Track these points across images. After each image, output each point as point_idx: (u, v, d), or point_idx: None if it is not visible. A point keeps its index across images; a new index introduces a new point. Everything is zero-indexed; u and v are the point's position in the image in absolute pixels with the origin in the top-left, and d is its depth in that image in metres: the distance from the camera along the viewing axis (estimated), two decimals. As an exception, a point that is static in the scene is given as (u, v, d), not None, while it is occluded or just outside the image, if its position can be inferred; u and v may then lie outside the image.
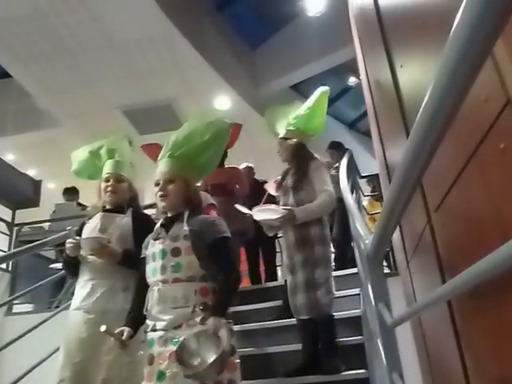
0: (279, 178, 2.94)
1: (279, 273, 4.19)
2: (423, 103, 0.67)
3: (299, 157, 2.67)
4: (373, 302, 1.46)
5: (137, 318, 1.75)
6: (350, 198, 2.33)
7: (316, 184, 2.56)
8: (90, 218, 2.21)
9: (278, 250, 4.20)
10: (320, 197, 2.52)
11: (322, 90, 2.78)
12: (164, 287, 1.67)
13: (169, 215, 1.84)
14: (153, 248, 1.78)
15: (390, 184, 0.95)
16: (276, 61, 7.51)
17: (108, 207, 2.19)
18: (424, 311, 1.17)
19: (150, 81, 6.85)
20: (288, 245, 2.56)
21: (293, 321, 2.60)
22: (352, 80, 8.28)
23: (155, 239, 1.80)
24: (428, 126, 0.69)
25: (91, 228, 2.14)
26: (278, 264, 4.23)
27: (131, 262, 2.01)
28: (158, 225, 1.85)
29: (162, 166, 1.85)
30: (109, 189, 2.18)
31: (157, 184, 1.83)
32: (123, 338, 1.70)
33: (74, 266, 2.13)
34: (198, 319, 1.63)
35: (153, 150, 3.36)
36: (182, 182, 1.83)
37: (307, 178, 2.58)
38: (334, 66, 7.39)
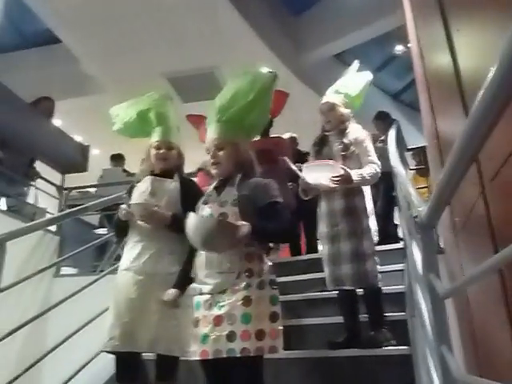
0: None
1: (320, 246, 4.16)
2: (489, 76, 0.61)
3: (349, 126, 2.59)
4: (420, 272, 1.43)
5: (184, 280, 1.79)
6: (401, 169, 2.24)
7: (363, 155, 2.49)
8: (138, 182, 2.23)
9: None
10: (369, 167, 2.46)
11: (369, 78, 2.76)
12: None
13: (221, 178, 1.84)
14: (202, 212, 1.79)
15: (450, 152, 0.92)
16: (320, 28, 7.26)
17: (157, 172, 2.21)
18: (477, 281, 1.13)
19: (194, 48, 6.80)
20: (331, 213, 2.48)
21: (334, 294, 2.57)
22: (398, 49, 7.92)
23: (205, 203, 1.80)
24: (492, 100, 0.65)
25: (141, 191, 2.16)
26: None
27: (179, 226, 2.00)
28: (210, 187, 1.85)
29: (210, 133, 1.83)
30: (160, 156, 2.18)
31: (208, 151, 1.83)
32: (171, 297, 1.78)
33: (124, 229, 2.17)
34: (242, 285, 1.63)
35: (200, 122, 3.35)
36: (231, 147, 1.81)
37: (354, 148, 2.50)
38: (380, 35, 7.08)
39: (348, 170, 2.39)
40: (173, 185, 2.17)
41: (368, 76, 2.75)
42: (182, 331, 1.93)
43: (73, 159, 5.69)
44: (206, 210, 1.76)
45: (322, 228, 2.52)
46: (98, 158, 7.00)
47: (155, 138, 2.20)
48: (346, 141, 2.52)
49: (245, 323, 1.58)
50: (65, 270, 5.12)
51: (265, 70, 1.87)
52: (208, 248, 1.66)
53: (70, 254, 3.86)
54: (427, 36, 2.25)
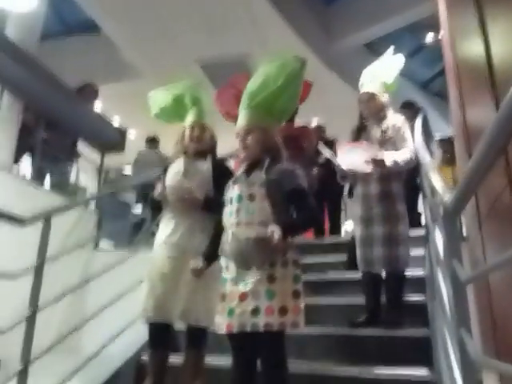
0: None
1: (342, 229, 4.14)
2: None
3: (388, 112, 2.56)
4: (442, 258, 1.40)
5: (211, 255, 1.82)
6: (426, 156, 2.20)
7: (400, 141, 2.46)
8: (172, 163, 2.25)
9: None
10: (404, 152, 2.42)
11: (402, 61, 2.70)
12: (237, 229, 1.69)
13: (249, 162, 1.84)
14: (231, 192, 1.80)
15: (479, 142, 0.91)
16: (350, 17, 7.09)
17: (191, 152, 2.22)
18: (500, 269, 1.11)
19: (227, 36, 6.77)
20: (366, 196, 2.46)
21: (356, 276, 2.56)
22: (429, 37, 7.65)
23: (234, 183, 1.81)
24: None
25: (174, 172, 2.19)
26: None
27: (211, 207, 2.07)
28: (240, 171, 1.86)
29: (241, 119, 1.84)
30: (194, 137, 2.20)
31: (237, 136, 1.83)
32: (195, 266, 1.83)
33: (158, 207, 2.22)
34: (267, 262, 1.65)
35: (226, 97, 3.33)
36: (259, 131, 1.80)
37: (391, 134, 2.47)
38: (410, 23, 6.86)
39: (381, 153, 2.36)
40: (205, 166, 2.18)
41: (401, 60, 2.69)
42: (209, 304, 1.98)
43: (112, 141, 5.80)
44: (234, 191, 1.77)
45: (357, 211, 2.50)
46: (135, 140, 7.11)
47: (189, 119, 2.22)
48: (383, 127, 2.50)
49: (269, 299, 1.60)
50: (103, 244, 5.26)
51: (293, 55, 1.83)
52: (249, 267, 1.66)
53: (109, 231, 3.93)
54: (460, 25, 2.17)
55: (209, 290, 1.97)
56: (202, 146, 2.21)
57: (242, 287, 1.64)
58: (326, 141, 4.20)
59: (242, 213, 1.71)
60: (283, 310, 1.60)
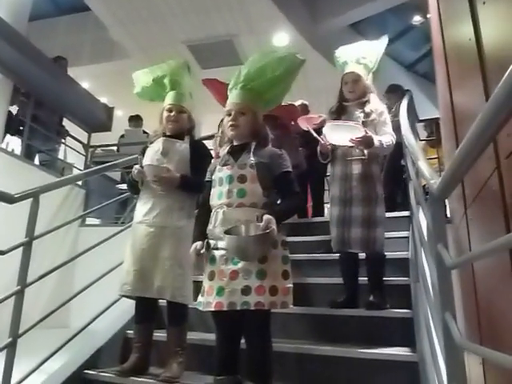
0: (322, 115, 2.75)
1: (326, 210, 4.11)
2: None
3: (371, 96, 2.49)
4: (426, 240, 1.35)
5: (202, 234, 1.77)
6: (411, 138, 2.16)
7: (381, 125, 2.41)
8: (151, 143, 2.24)
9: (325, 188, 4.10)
10: (386, 137, 2.37)
11: (385, 43, 2.63)
12: (229, 210, 1.68)
13: (235, 143, 1.83)
14: (220, 173, 1.77)
15: (469, 130, 0.87)
16: (337, -3, 6.93)
17: (168, 133, 2.22)
18: (486, 257, 1.09)
19: (214, 16, 6.65)
20: (346, 177, 2.40)
21: (337, 256, 2.53)
22: (416, 19, 7.54)
23: (223, 165, 1.78)
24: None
25: (154, 151, 2.17)
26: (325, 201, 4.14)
27: (187, 186, 2.09)
28: (224, 151, 1.84)
29: (233, 97, 1.81)
30: (171, 118, 2.19)
31: (229, 114, 1.80)
32: (195, 251, 1.72)
33: (136, 187, 2.20)
34: None
35: (214, 85, 3.25)
36: (251, 114, 1.79)
37: (374, 119, 2.41)
38: (397, 4, 6.74)
39: (370, 133, 2.30)
40: (183, 146, 2.18)
41: (384, 42, 2.61)
42: (186, 280, 2.02)
43: (99, 119, 5.67)
44: (224, 172, 1.75)
45: (335, 191, 2.44)
46: (121, 119, 6.96)
47: (167, 101, 2.21)
48: (367, 109, 2.43)
49: (260, 279, 1.59)
50: (90, 221, 5.20)
51: (295, 53, 1.84)
52: (248, 260, 1.63)
53: (95, 207, 3.89)
54: (449, 7, 2.10)
55: (185, 267, 2.01)
56: (178, 128, 2.21)
57: (233, 265, 1.63)
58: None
59: (233, 194, 1.69)
60: (273, 290, 1.60)
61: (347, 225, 2.35)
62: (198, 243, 1.73)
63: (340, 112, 2.52)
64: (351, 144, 2.31)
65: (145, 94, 2.32)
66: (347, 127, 2.31)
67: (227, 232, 1.60)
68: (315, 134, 2.51)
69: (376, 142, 2.30)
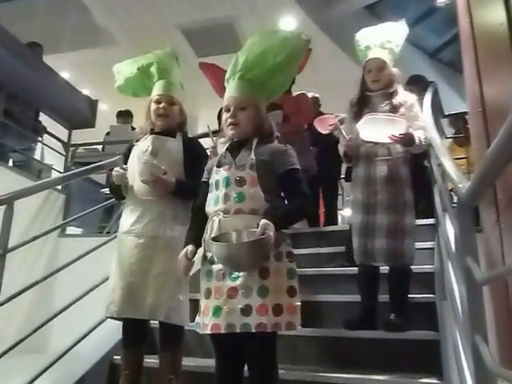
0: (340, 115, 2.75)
1: (339, 217, 4.13)
2: None
3: (398, 86, 2.50)
4: (454, 252, 1.35)
5: (194, 240, 1.74)
6: (437, 137, 2.15)
7: (414, 119, 2.40)
8: (137, 141, 2.22)
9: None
10: (421, 133, 2.36)
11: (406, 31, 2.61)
12: (225, 218, 1.66)
13: (235, 140, 1.80)
14: (217, 175, 1.75)
15: (504, 126, 0.85)
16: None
17: (158, 130, 2.19)
18: None
19: (212, -3, 6.62)
20: (369, 179, 2.39)
21: (354, 270, 2.53)
22: (440, 0, 7.53)
23: (219, 166, 1.76)
24: None
25: (141, 151, 2.14)
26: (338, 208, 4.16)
27: (182, 192, 2.06)
28: (223, 149, 1.82)
29: (231, 90, 1.78)
30: (161, 111, 2.16)
31: (227, 109, 1.78)
32: (184, 256, 1.70)
33: (119, 192, 2.17)
34: None
35: (212, 71, 3.26)
36: (253, 108, 1.76)
37: (403, 113, 2.40)
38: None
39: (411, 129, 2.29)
40: (175, 144, 2.16)
41: (404, 28, 2.59)
42: (182, 298, 2.00)
43: (80, 114, 5.68)
44: (221, 174, 1.73)
45: (357, 195, 2.43)
46: (106, 114, 6.97)
47: (155, 92, 2.19)
48: (395, 102, 2.43)
49: (262, 297, 1.56)
50: (71, 230, 5.20)
51: (298, 33, 1.80)
52: (246, 271, 1.61)
53: (77, 214, 3.91)
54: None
55: (181, 284, 1.99)
56: (169, 122, 2.19)
57: (231, 281, 1.61)
58: (322, 114, 4.13)
59: (230, 199, 1.67)
60: (278, 309, 1.58)
61: (371, 234, 2.34)
62: (189, 247, 1.70)
63: (362, 104, 2.52)
64: (389, 140, 2.30)
65: (128, 87, 2.30)
66: (387, 121, 2.31)
67: (215, 239, 1.58)
68: (344, 133, 2.50)
69: (416, 140, 2.30)
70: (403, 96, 2.47)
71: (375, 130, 2.32)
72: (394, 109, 2.41)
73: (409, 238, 2.32)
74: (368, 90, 2.52)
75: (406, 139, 2.29)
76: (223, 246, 1.54)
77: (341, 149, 2.52)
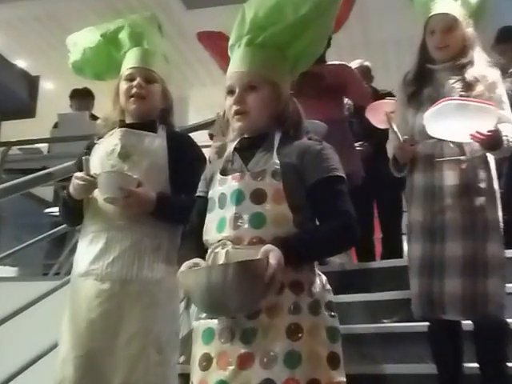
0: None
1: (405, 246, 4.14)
2: None
3: (475, 54, 2.52)
4: None
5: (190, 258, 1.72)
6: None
7: (497, 104, 2.41)
8: (100, 137, 2.24)
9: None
10: (507, 128, 2.37)
11: None
12: (235, 251, 1.64)
13: (246, 136, 1.81)
14: (222, 187, 1.75)
15: None
16: None
17: (130, 121, 2.22)
18: None
19: None
20: (433, 191, 2.41)
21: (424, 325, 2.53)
22: None
23: (225, 173, 1.77)
24: None
25: (105, 152, 2.16)
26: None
27: (167, 212, 2.08)
28: (229, 149, 1.83)
29: (236, 62, 1.80)
30: (134, 91, 2.17)
31: (230, 91, 1.79)
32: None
33: (76, 212, 2.18)
34: (287, 305, 1.59)
35: (214, 42, 3.32)
36: (269, 87, 1.76)
37: (480, 93, 2.41)
38: None
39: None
40: (157, 142, 2.18)
41: None
42: (167, 373, 2.01)
43: (14, 97, 5.74)
44: (228, 185, 1.73)
45: (415, 215, 2.46)
46: (53, 97, 7.04)
47: (128, 63, 2.22)
48: (469, 77, 2.45)
49: (290, 367, 1.55)
50: (0, 271, 5.24)
51: None
52: (220, 314, 1.63)
53: (11, 249, 3.92)
54: None
55: (165, 351, 2.01)
56: (147, 107, 2.21)
57: (243, 343, 1.59)
58: (377, 93, 4.16)
59: (243, 223, 1.67)
60: None
61: (438, 273, 2.35)
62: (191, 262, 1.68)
63: (422, 81, 2.56)
64: (469, 139, 2.33)
65: (88, 64, 2.34)
66: (477, 110, 2.31)
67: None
68: (397, 131, 2.51)
69: (504, 141, 2.33)
70: (481, 69, 2.49)
71: (452, 122, 2.33)
72: (468, 87, 2.43)
73: (495, 276, 2.32)
74: (430, 61, 2.56)
75: (493, 139, 2.31)
76: (195, 274, 1.55)
77: (390, 151, 2.56)
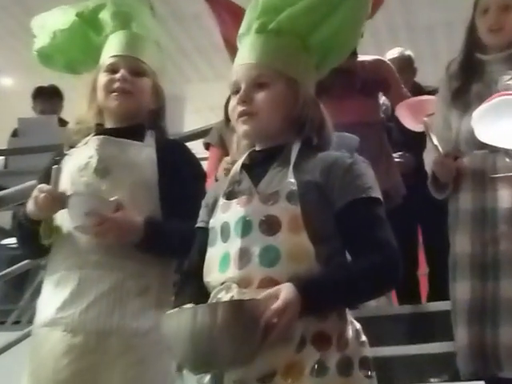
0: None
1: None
2: None
3: None
4: None
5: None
6: None
7: None
8: (72, 147, 2.25)
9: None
10: None
11: None
12: (243, 294, 1.64)
13: (258, 148, 1.83)
14: (225, 214, 1.76)
15: None
16: None
17: (111, 126, 2.24)
18: None
19: None
20: (484, 216, 2.45)
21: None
22: None
23: (229, 196, 1.78)
24: None
25: (79, 167, 2.15)
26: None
27: (159, 242, 2.07)
28: (236, 166, 1.85)
29: (244, 53, 1.82)
30: (117, 85, 2.18)
31: (236, 90, 1.81)
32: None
33: (34, 238, 2.13)
34: (309, 364, 1.58)
35: (225, 7, 3.37)
36: (283, 84, 1.78)
37: None
38: None
39: None
40: (144, 153, 2.19)
41: None
42: None
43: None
44: (233, 211, 1.74)
45: (462, 245, 2.50)
46: (12, 95, 7.12)
47: (110, 51, 2.23)
48: None
49: None
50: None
51: None
52: (208, 368, 1.62)
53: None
54: None
55: None
56: (132, 107, 2.22)
57: None
58: (421, 89, 4.24)
59: (251, 259, 1.67)
60: None
61: (491, 319, 2.38)
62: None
63: (469, 75, 2.59)
64: None
65: (58, 51, 2.35)
66: None
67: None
68: (435, 141, 2.53)
69: None
70: None
71: (509, 124, 2.34)
72: None
73: None
74: (480, 49, 2.61)
75: None
76: (177, 315, 1.55)
77: (428, 166, 2.61)
